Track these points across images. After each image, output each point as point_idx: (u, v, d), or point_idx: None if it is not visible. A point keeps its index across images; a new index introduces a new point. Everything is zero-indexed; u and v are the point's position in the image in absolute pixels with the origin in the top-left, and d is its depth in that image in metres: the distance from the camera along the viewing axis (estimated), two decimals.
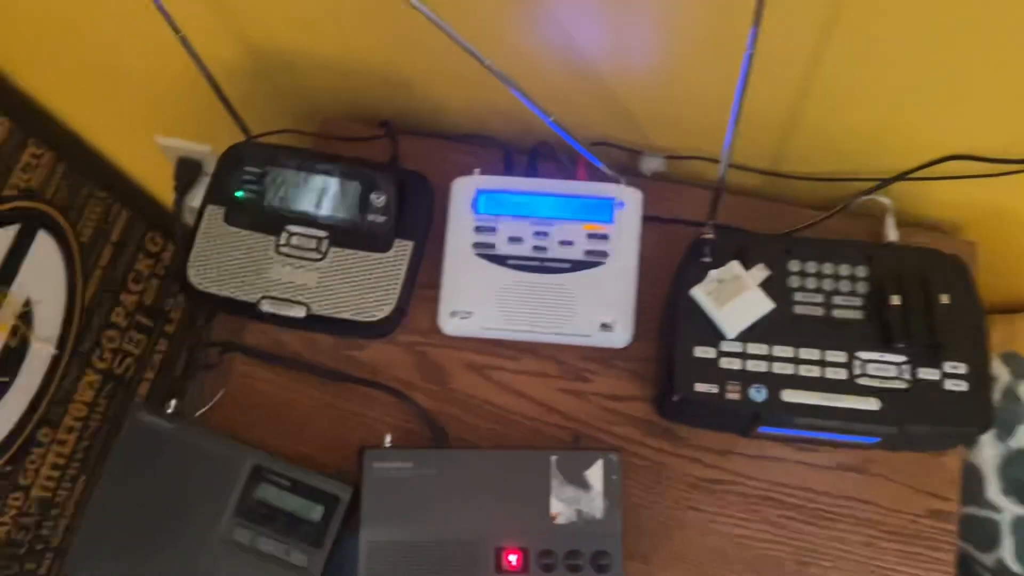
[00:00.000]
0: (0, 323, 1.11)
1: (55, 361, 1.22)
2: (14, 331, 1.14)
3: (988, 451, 0.91)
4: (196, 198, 1.23)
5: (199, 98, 0.95)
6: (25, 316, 1.16)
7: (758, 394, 0.73)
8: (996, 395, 0.91)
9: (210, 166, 1.15)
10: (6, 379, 1.14)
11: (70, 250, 1.23)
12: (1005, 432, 0.91)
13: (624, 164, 0.92)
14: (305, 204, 0.85)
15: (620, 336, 0.81)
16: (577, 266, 0.82)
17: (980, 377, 0.72)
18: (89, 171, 1.25)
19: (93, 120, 1.22)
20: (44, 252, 1.18)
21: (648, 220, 0.85)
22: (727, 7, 0.70)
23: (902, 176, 0.84)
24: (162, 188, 1.38)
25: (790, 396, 0.73)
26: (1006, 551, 0.91)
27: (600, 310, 0.81)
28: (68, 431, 1.27)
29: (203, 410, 0.85)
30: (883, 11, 0.67)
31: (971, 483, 0.91)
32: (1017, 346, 0.92)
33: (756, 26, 0.57)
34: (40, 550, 1.27)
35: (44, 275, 1.19)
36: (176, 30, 0.79)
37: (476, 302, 0.82)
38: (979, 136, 0.78)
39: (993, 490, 0.91)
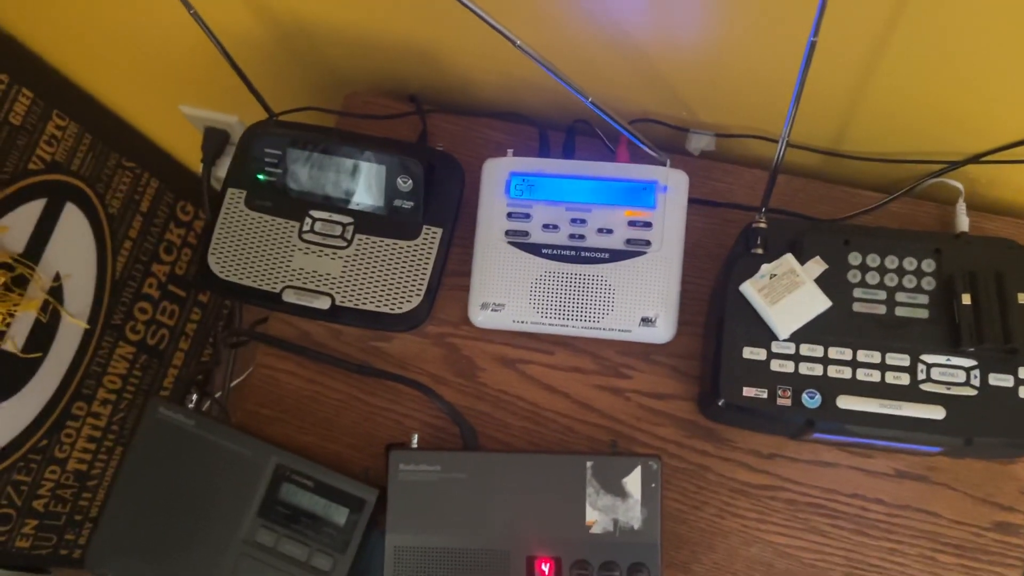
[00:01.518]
0: (29, 299, 1.10)
1: (87, 335, 1.21)
2: (44, 306, 1.13)
3: None
4: (223, 168, 1.20)
5: (221, 70, 0.90)
6: (55, 291, 1.14)
7: (811, 400, 0.68)
8: None
9: (237, 136, 1.11)
10: (38, 355, 1.13)
11: (99, 222, 1.21)
12: None
13: (669, 142, 0.86)
14: (329, 188, 0.80)
15: (662, 331, 0.75)
16: (616, 256, 0.76)
17: None
18: (116, 141, 1.22)
19: (118, 90, 1.19)
20: (72, 226, 1.16)
21: (695, 203, 0.79)
22: None
23: (976, 158, 0.77)
24: (192, 156, 1.35)
25: (846, 403, 0.67)
26: None
27: (641, 303, 0.75)
28: (103, 404, 1.27)
29: (237, 380, 0.82)
30: None
31: None
32: None
33: (820, 11, 0.50)
34: (79, 521, 1.27)
35: (73, 249, 1.17)
36: (187, 6, 0.73)
37: (508, 294, 0.77)
38: None
39: None
